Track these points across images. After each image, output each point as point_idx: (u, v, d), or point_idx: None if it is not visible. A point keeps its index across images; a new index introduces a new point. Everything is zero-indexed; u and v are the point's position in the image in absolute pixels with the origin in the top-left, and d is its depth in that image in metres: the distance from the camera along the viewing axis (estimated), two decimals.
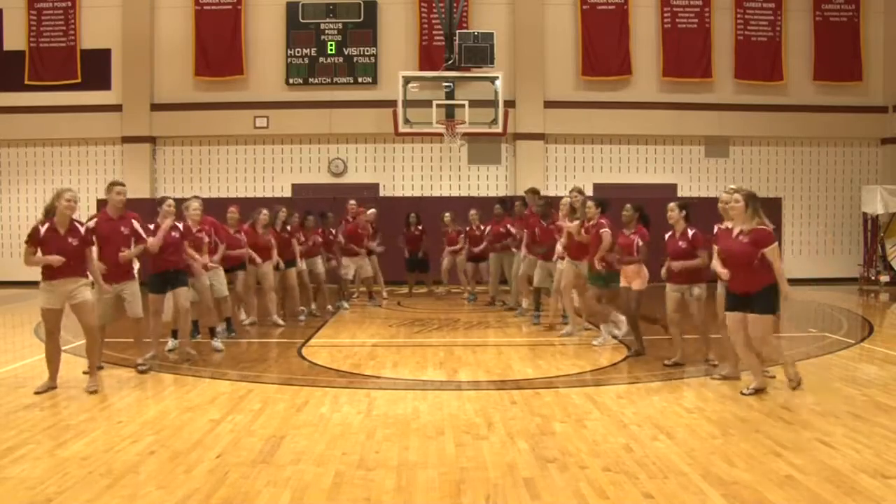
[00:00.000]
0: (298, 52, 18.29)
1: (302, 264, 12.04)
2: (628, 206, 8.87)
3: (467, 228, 14.31)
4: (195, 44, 18.27)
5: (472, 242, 14.14)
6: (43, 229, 6.88)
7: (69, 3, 18.28)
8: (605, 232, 9.08)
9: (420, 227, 15.06)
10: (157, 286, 8.48)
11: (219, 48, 18.24)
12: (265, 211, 11.21)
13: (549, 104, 18.46)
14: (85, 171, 18.68)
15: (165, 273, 8.47)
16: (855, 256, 18.70)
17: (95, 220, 7.74)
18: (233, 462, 4.98)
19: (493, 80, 14.96)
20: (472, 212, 14.28)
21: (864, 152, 19.28)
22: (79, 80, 18.32)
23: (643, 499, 4.32)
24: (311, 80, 18.31)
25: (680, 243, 7.98)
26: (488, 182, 18.86)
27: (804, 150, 19.21)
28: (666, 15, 18.52)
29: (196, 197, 9.52)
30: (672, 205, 8.10)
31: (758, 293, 6.58)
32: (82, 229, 7.13)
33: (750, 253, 6.52)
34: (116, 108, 18.35)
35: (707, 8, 18.49)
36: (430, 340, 10.14)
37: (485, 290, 14.13)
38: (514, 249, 12.51)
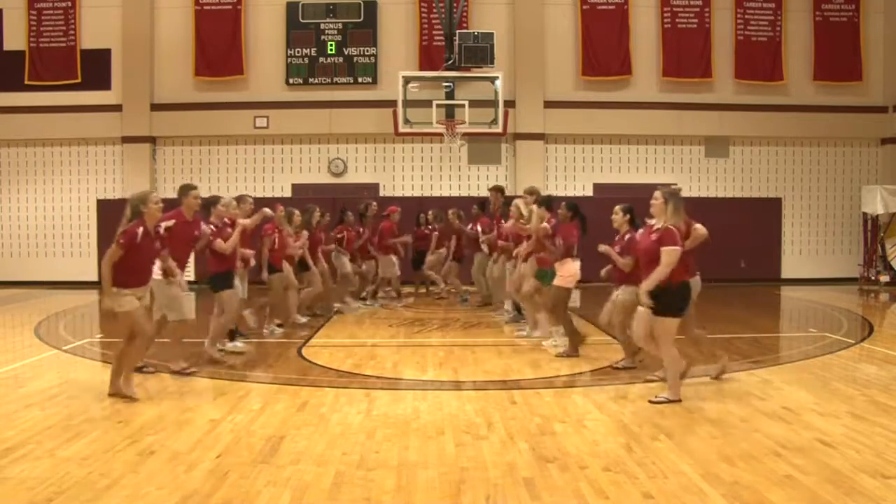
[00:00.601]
0: (298, 52, 18.29)
1: (323, 264, 12.04)
2: (563, 204, 8.86)
3: (429, 227, 14.46)
4: (195, 44, 18.27)
5: (420, 242, 14.62)
6: (140, 234, 6.62)
7: (69, 3, 18.28)
8: (543, 227, 9.02)
9: (430, 227, 15.07)
10: (221, 285, 8.39)
11: (219, 48, 18.24)
12: (297, 211, 11.13)
13: (549, 104, 18.46)
14: (85, 171, 18.69)
15: (228, 273, 8.46)
16: (855, 256, 18.70)
17: (174, 221, 7.61)
18: (233, 462, 4.97)
19: (493, 80, 14.97)
20: (451, 211, 14.20)
21: (864, 152, 19.28)
22: (79, 80, 18.32)
23: (643, 499, 4.32)
24: (311, 80, 18.31)
25: (616, 248, 7.95)
26: (488, 182, 18.80)
27: (804, 150, 19.20)
28: (666, 15, 18.52)
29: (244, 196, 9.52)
30: (616, 208, 8.02)
31: (661, 292, 6.40)
32: (161, 231, 7.08)
33: (654, 250, 6.39)
34: (116, 108, 18.35)
35: (707, 8, 18.49)
36: (430, 340, 10.14)
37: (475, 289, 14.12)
38: (484, 248, 12.56)
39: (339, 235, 12.63)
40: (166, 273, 7.46)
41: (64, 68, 18.28)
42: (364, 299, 13.67)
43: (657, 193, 6.63)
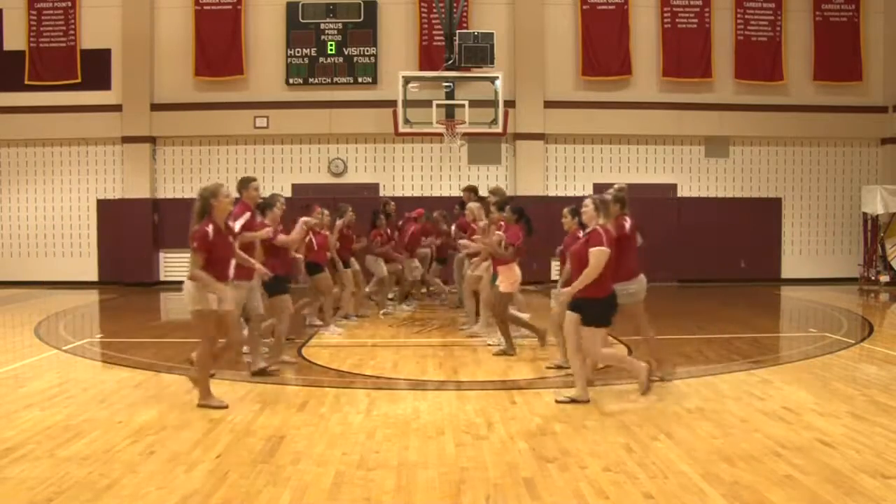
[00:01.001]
0: (298, 52, 18.28)
1: (355, 264, 11.99)
2: (507, 207, 8.89)
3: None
4: (195, 44, 18.26)
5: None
6: (212, 232, 6.27)
7: (69, 3, 18.27)
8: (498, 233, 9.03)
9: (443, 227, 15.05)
10: (278, 288, 8.11)
11: (219, 48, 18.23)
12: (327, 211, 10.92)
13: (549, 104, 18.45)
14: (85, 171, 18.68)
15: (286, 277, 8.32)
16: (855, 256, 18.69)
17: (248, 215, 7.53)
18: (233, 462, 4.98)
19: (492, 80, 14.96)
20: (436, 213, 14.17)
21: (864, 152, 19.27)
22: (79, 80, 18.31)
23: (643, 499, 4.32)
24: (311, 80, 18.30)
25: (558, 249, 7.92)
26: (488, 182, 18.79)
27: (804, 150, 19.19)
28: (666, 15, 18.51)
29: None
30: (565, 210, 8.00)
31: (584, 300, 6.39)
32: (235, 227, 6.95)
33: (585, 253, 6.36)
34: (116, 108, 18.34)
35: (707, 8, 18.48)
36: (430, 340, 10.13)
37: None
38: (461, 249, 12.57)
39: (376, 238, 12.48)
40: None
41: (64, 68, 18.27)
42: (392, 300, 13.58)
43: (587, 201, 6.61)
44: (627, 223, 7.18)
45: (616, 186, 7.59)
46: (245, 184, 7.83)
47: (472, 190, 12.28)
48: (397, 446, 5.34)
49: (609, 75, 18.53)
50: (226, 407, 6.32)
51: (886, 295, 16.16)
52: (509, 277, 8.60)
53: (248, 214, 7.65)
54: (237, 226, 7.13)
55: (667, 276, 17.51)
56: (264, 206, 8.15)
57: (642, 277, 7.29)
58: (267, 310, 8.08)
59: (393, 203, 13.78)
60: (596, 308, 6.42)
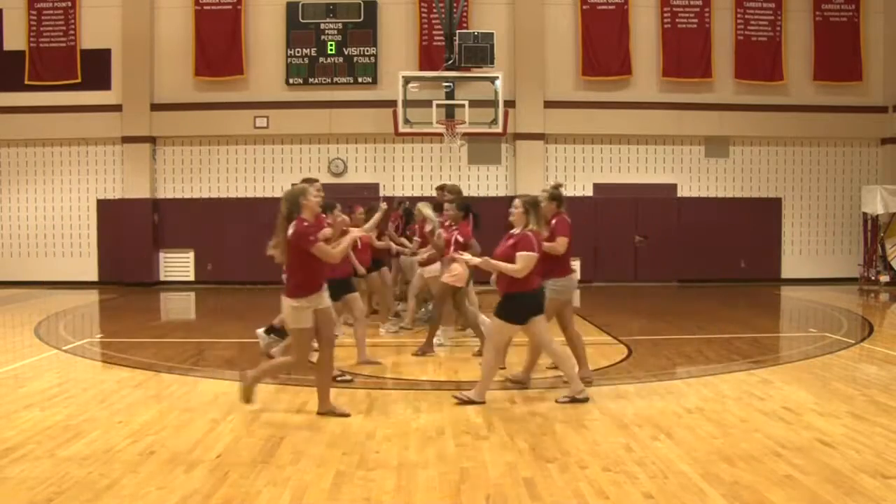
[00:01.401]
0: (298, 52, 18.28)
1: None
2: (454, 204, 8.93)
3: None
4: (195, 44, 18.26)
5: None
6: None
7: (69, 3, 18.27)
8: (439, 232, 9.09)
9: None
10: (345, 289, 8.05)
11: (219, 48, 18.22)
12: (361, 209, 10.67)
13: (549, 104, 18.45)
14: (85, 171, 18.67)
15: (349, 278, 8.31)
16: (855, 256, 18.69)
17: (337, 213, 7.64)
18: (233, 462, 4.98)
19: (493, 80, 14.95)
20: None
21: (864, 152, 19.27)
22: (79, 80, 18.30)
23: (643, 499, 4.32)
24: (311, 80, 18.30)
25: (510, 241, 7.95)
26: (488, 182, 18.85)
27: (804, 150, 19.19)
28: (666, 15, 18.51)
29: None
30: (517, 202, 8.02)
31: (504, 296, 6.42)
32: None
33: (510, 255, 6.33)
34: (116, 108, 18.33)
35: (707, 8, 18.48)
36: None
37: None
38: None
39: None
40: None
41: (64, 68, 18.26)
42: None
43: (517, 202, 6.58)
44: (558, 223, 7.12)
45: (552, 184, 7.59)
46: (310, 184, 7.76)
47: (442, 189, 12.23)
48: (397, 446, 5.34)
49: (609, 75, 18.53)
50: (348, 415, 6.15)
51: (886, 295, 16.16)
52: (455, 270, 8.60)
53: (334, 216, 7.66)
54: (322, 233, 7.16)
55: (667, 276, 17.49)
56: (326, 207, 8.14)
57: (573, 276, 7.32)
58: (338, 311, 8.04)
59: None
60: (513, 303, 6.40)
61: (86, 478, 4.65)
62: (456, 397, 6.56)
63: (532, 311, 6.41)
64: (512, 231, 6.57)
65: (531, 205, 6.54)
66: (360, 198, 17.23)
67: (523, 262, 6.27)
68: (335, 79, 18.29)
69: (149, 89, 18.30)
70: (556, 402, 6.54)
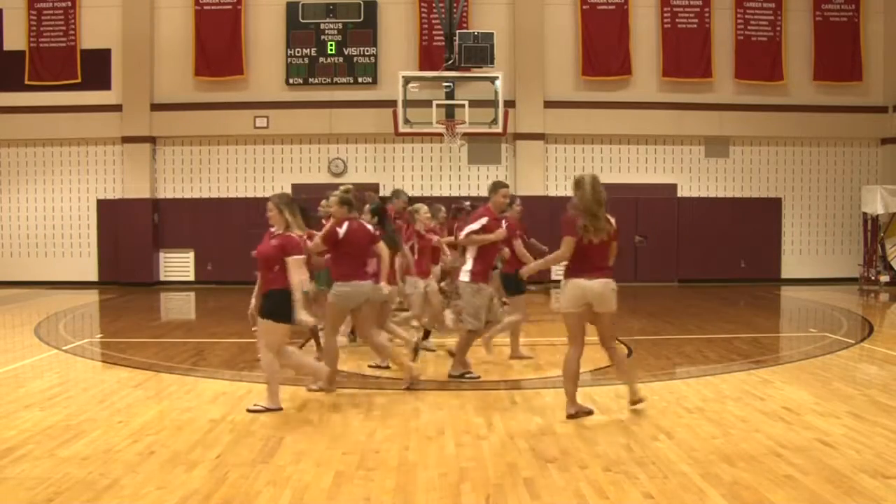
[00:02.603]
0: (298, 52, 18.28)
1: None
2: (367, 207, 8.85)
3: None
4: (195, 44, 18.26)
5: None
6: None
7: (69, 3, 18.27)
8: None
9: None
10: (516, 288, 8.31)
11: (219, 48, 18.23)
12: (425, 207, 10.61)
13: (549, 104, 18.45)
14: (85, 171, 18.67)
15: (516, 273, 8.27)
16: (855, 256, 18.68)
17: (486, 219, 7.56)
18: (233, 462, 4.98)
19: (493, 80, 14.97)
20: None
21: (864, 152, 19.27)
22: (79, 80, 18.31)
23: (643, 499, 4.32)
24: (311, 80, 18.30)
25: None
26: (488, 182, 18.80)
27: (804, 150, 19.19)
28: (666, 15, 18.51)
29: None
30: (325, 202, 8.04)
31: (265, 295, 6.34)
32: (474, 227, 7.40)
33: (273, 256, 6.24)
34: (116, 108, 18.34)
35: (707, 8, 18.48)
36: (430, 340, 10.10)
37: None
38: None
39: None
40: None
41: (64, 68, 18.27)
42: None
43: (270, 204, 6.50)
44: (347, 225, 7.08)
45: (342, 188, 7.54)
46: (496, 188, 7.74)
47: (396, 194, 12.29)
48: (397, 446, 5.34)
49: (609, 75, 18.53)
50: (591, 413, 6.13)
51: (886, 295, 16.16)
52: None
53: (485, 219, 7.50)
54: (476, 226, 7.35)
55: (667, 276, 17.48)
56: (457, 210, 8.17)
57: (360, 283, 6.95)
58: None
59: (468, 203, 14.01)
60: (276, 299, 6.25)
61: (86, 478, 4.65)
62: (249, 409, 6.29)
63: (289, 309, 6.20)
64: (273, 230, 6.42)
65: (285, 204, 6.40)
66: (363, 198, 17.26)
67: (294, 266, 6.17)
68: (335, 79, 18.29)
69: (149, 89, 18.30)
70: (248, 410, 6.29)
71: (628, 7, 18.43)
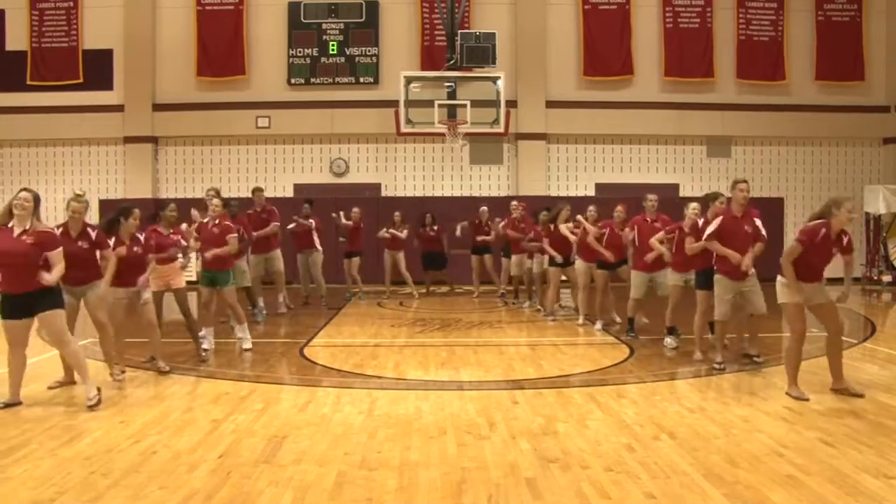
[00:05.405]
0: (300, 52, 18.29)
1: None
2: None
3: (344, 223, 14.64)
4: (197, 44, 18.28)
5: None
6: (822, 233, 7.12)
7: (71, 4, 18.30)
8: None
9: (435, 228, 15.35)
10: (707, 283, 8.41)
11: (220, 48, 18.24)
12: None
13: (550, 104, 18.45)
14: (87, 171, 18.70)
15: (710, 270, 8.48)
16: (857, 256, 18.66)
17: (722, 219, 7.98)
18: (235, 462, 4.98)
19: (494, 80, 14.93)
20: (355, 210, 14.55)
21: (867, 152, 19.25)
22: (81, 81, 18.33)
23: (645, 499, 4.32)
24: (312, 80, 18.31)
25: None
26: (490, 182, 18.86)
27: (806, 150, 19.18)
28: (668, 15, 18.50)
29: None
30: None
31: (38, 292, 6.29)
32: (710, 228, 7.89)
33: (32, 253, 6.24)
34: (118, 108, 18.36)
35: (709, 8, 18.47)
36: (432, 340, 10.13)
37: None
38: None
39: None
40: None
41: (66, 68, 18.29)
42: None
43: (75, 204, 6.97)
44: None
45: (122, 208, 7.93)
46: (713, 197, 8.28)
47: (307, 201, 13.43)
48: (399, 446, 5.34)
49: (611, 75, 18.53)
50: (807, 400, 6.54)
51: (889, 295, 16.14)
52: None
53: (721, 218, 7.89)
54: (712, 227, 7.72)
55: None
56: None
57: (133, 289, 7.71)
58: None
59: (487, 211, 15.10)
60: (54, 293, 6.40)
61: (88, 477, 4.65)
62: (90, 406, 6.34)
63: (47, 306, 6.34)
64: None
65: (36, 199, 6.38)
66: (362, 198, 17.31)
67: (56, 259, 6.34)
68: (337, 79, 18.31)
69: (151, 89, 18.33)
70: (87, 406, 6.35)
71: (630, 7, 18.42)
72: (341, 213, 14.33)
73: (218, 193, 10.29)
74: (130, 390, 7.14)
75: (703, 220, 8.35)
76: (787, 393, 6.72)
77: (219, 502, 4.30)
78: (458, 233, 15.10)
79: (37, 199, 6.41)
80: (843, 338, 10.10)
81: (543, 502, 4.29)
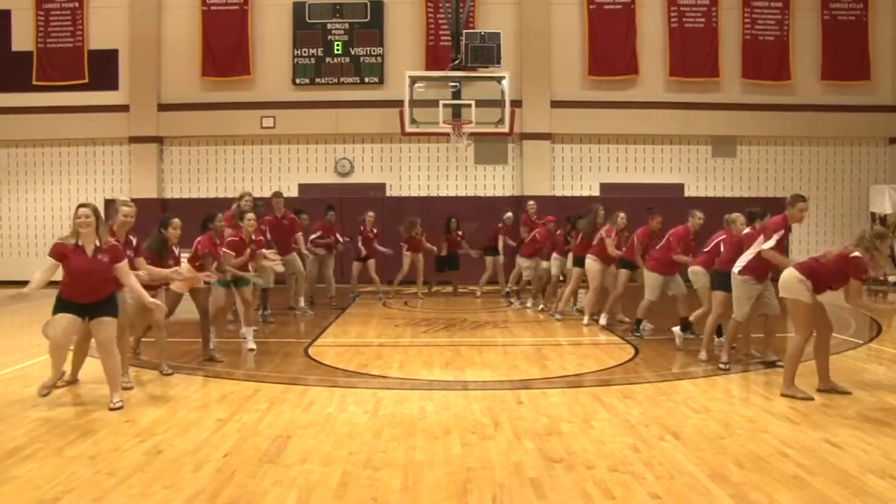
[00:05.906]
0: (305, 52, 18.31)
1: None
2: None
3: (360, 228, 14.47)
4: (202, 44, 18.31)
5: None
6: None
7: (76, 4, 18.35)
8: None
9: (460, 233, 15.39)
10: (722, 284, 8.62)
11: (225, 48, 18.28)
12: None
13: (555, 104, 18.44)
14: (92, 171, 18.76)
15: (728, 273, 8.65)
16: None
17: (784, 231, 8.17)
18: (239, 462, 4.98)
19: (499, 79, 14.93)
20: (370, 214, 14.53)
21: (872, 152, 19.20)
22: (86, 81, 18.38)
23: (650, 499, 4.31)
24: (317, 80, 18.34)
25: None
26: (495, 182, 18.86)
27: (812, 150, 19.14)
28: (673, 14, 18.48)
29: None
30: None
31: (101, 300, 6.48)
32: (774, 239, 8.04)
33: (109, 270, 6.43)
34: (124, 108, 18.40)
35: (714, 7, 18.44)
36: (436, 340, 10.14)
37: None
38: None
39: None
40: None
41: (71, 69, 18.34)
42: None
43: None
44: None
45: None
46: (794, 202, 8.15)
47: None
48: (404, 446, 5.34)
49: (616, 75, 18.51)
50: (811, 399, 6.55)
51: (895, 295, 16.08)
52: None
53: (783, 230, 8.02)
54: (775, 239, 7.90)
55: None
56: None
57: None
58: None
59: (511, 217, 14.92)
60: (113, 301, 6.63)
61: (93, 477, 4.66)
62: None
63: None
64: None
65: (97, 213, 6.46)
66: (367, 198, 17.32)
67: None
68: (342, 79, 18.32)
69: (156, 89, 18.37)
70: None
71: (635, 6, 18.40)
72: (360, 234, 14.31)
73: (253, 200, 10.29)
74: (135, 390, 7.14)
75: (762, 225, 8.42)
76: (782, 394, 6.67)
77: (223, 502, 4.30)
78: (505, 220, 14.83)
79: (96, 212, 6.41)
80: (849, 338, 10.12)
81: (548, 502, 4.28)
